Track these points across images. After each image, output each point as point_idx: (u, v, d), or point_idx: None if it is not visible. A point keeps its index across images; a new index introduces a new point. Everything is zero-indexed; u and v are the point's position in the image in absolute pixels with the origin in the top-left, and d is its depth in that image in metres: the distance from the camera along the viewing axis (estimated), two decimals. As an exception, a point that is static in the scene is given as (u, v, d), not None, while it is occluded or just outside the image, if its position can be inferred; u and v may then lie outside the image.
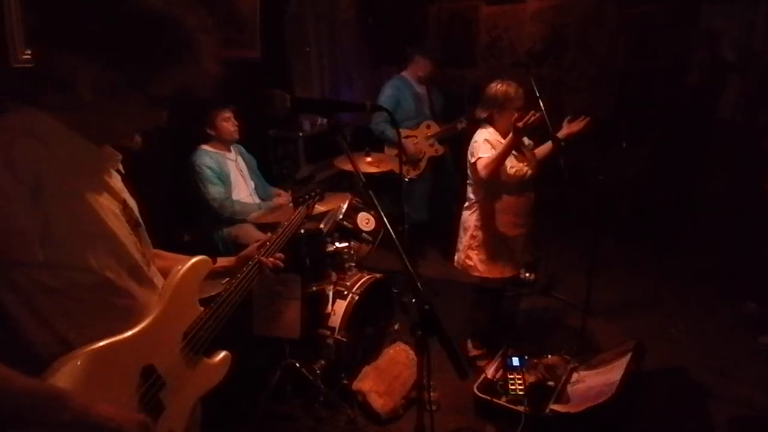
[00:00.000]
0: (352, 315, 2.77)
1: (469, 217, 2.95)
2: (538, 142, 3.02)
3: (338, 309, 2.79)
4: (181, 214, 3.27)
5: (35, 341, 1.02)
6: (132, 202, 1.21)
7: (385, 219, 1.22)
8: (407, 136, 4.32)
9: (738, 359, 3.11)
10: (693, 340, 3.34)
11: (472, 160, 2.78)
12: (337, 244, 3.06)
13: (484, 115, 2.82)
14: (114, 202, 1.12)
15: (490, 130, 2.81)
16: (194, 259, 1.32)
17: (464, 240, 2.99)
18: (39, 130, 0.97)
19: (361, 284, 2.91)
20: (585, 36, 5.15)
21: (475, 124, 2.92)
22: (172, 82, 1.04)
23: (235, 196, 3.20)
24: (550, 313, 3.74)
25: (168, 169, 3.24)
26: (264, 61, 4.09)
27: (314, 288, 2.85)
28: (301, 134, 4.22)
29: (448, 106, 4.62)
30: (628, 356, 2.66)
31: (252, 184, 3.41)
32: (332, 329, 2.74)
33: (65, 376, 0.96)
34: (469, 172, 2.90)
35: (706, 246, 4.35)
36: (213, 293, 1.40)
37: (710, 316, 3.59)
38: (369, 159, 3.38)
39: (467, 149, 2.87)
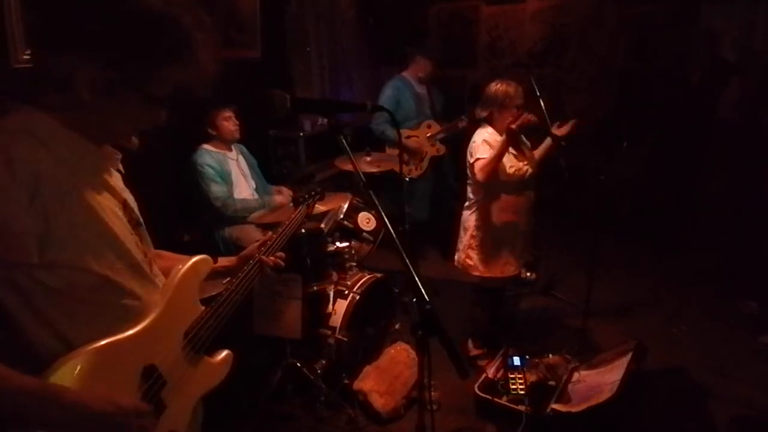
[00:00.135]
0: (352, 315, 2.77)
1: (470, 217, 2.95)
2: (536, 143, 3.02)
3: (339, 308, 2.79)
4: (182, 214, 3.28)
5: (35, 341, 1.02)
6: (132, 202, 1.21)
7: (385, 219, 1.23)
8: (408, 136, 4.32)
9: (738, 359, 3.11)
10: (693, 339, 3.34)
11: (471, 161, 2.79)
12: (338, 244, 3.06)
13: (484, 114, 2.83)
14: (114, 202, 1.12)
15: (489, 130, 2.81)
16: (195, 259, 1.32)
17: (464, 239, 2.99)
18: (38, 131, 0.97)
19: (361, 284, 2.91)
20: (585, 36, 5.15)
21: (476, 124, 2.93)
22: (171, 81, 1.04)
23: (236, 196, 3.21)
24: (550, 313, 3.74)
25: (168, 168, 3.24)
26: (264, 61, 4.09)
27: (315, 288, 2.85)
28: (301, 134, 4.22)
29: (448, 106, 4.63)
30: (629, 356, 2.66)
31: (253, 183, 3.41)
32: (333, 329, 2.74)
33: (66, 375, 0.96)
34: (468, 172, 2.90)
35: (706, 246, 4.35)
36: (214, 293, 1.40)
37: (710, 316, 3.59)
38: (369, 159, 3.39)
39: (467, 149, 2.87)
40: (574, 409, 2.47)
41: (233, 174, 3.25)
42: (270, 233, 1.68)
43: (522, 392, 2.64)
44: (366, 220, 3.27)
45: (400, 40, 5.05)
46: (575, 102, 5.27)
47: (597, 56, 5.17)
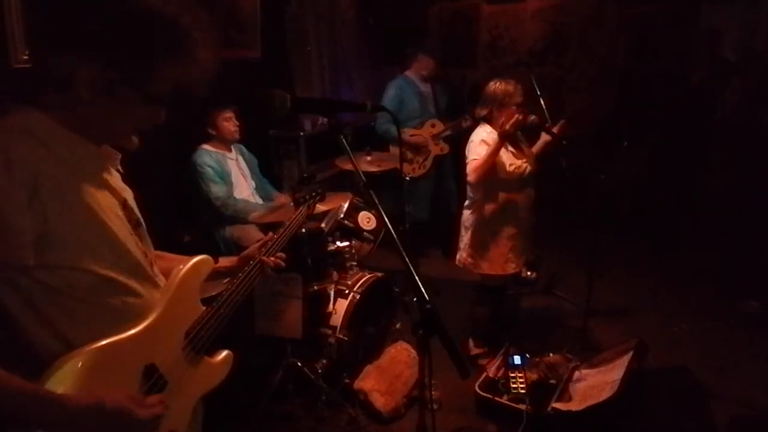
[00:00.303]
0: (353, 314, 2.77)
1: (470, 216, 2.95)
2: (535, 142, 3.02)
3: (339, 308, 2.79)
4: (182, 214, 3.28)
5: (36, 341, 1.02)
6: (132, 201, 1.21)
7: (385, 218, 1.23)
8: (412, 135, 4.32)
9: (738, 359, 3.11)
10: (694, 339, 3.34)
11: (468, 161, 2.79)
12: (339, 244, 3.07)
13: (483, 113, 2.83)
14: (114, 201, 1.12)
15: (488, 129, 2.81)
16: (196, 259, 1.32)
17: (465, 238, 2.99)
18: (38, 131, 0.97)
19: (362, 283, 2.91)
20: (585, 35, 5.15)
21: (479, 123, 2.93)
22: (170, 80, 1.04)
23: (236, 196, 3.21)
24: (551, 312, 3.74)
25: (169, 169, 3.24)
26: (264, 61, 4.09)
27: (315, 287, 2.86)
28: (301, 134, 4.22)
29: (449, 105, 4.63)
30: (630, 355, 2.66)
31: (253, 183, 3.41)
32: (334, 328, 2.74)
33: (66, 374, 0.96)
34: (468, 170, 2.90)
35: (706, 246, 4.35)
36: (214, 293, 1.40)
37: (711, 315, 3.59)
38: (369, 158, 3.39)
39: (465, 148, 2.88)
40: (574, 408, 2.48)
41: (233, 174, 3.26)
42: (271, 233, 1.68)
43: (523, 391, 2.64)
44: (366, 220, 3.27)
45: (400, 39, 5.05)
46: (575, 101, 5.27)
47: (597, 56, 5.17)
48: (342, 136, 1.34)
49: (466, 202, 2.99)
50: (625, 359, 2.65)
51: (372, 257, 3.35)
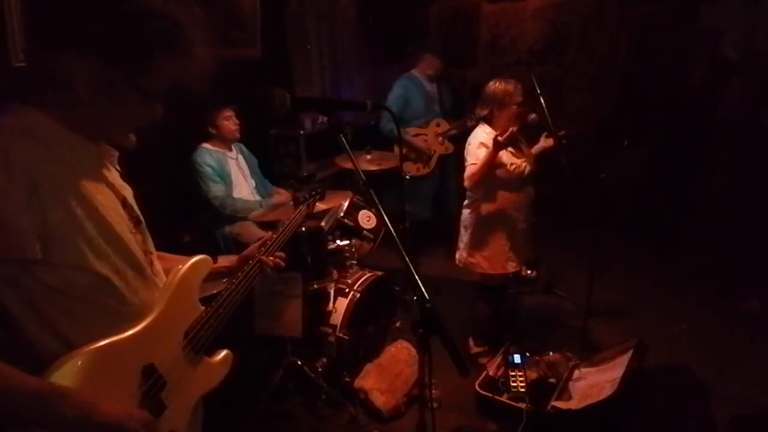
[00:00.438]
0: (353, 313, 2.77)
1: (470, 215, 2.95)
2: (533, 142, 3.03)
3: (340, 307, 2.79)
4: (182, 213, 3.28)
5: (35, 341, 1.02)
6: (132, 199, 1.21)
7: (385, 217, 1.23)
8: (417, 134, 4.32)
9: (739, 358, 3.11)
10: (694, 338, 3.34)
11: (466, 164, 2.80)
12: (339, 242, 3.06)
13: (484, 113, 2.83)
14: (114, 199, 1.12)
15: (487, 129, 2.81)
16: (195, 258, 1.33)
17: (465, 238, 2.99)
18: (37, 130, 0.97)
19: (362, 282, 2.91)
20: (586, 34, 5.14)
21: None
22: (168, 77, 1.04)
23: (236, 195, 3.21)
24: (551, 311, 3.74)
25: (168, 168, 3.24)
26: (264, 60, 4.09)
27: (315, 286, 2.86)
28: (302, 133, 4.22)
29: (452, 105, 4.62)
30: (630, 354, 2.66)
31: (253, 182, 3.41)
32: (334, 327, 2.74)
33: (66, 374, 0.96)
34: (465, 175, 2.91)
35: (706, 246, 4.34)
36: (214, 292, 1.40)
37: (711, 314, 3.59)
38: (369, 157, 3.39)
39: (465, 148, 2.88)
40: (574, 407, 2.48)
41: (233, 173, 3.26)
42: (270, 233, 1.68)
43: (523, 390, 2.64)
44: (366, 219, 3.27)
45: (400, 38, 5.05)
46: (576, 100, 5.27)
47: (598, 55, 5.16)
48: (342, 135, 1.34)
49: (466, 202, 2.99)
50: (625, 358, 2.65)
51: (372, 256, 3.35)
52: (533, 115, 2.85)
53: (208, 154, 3.16)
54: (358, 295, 2.83)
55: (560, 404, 2.54)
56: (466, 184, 2.79)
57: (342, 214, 3.18)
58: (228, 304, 1.37)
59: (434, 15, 5.84)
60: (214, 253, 1.44)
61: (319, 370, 2.71)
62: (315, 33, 4.93)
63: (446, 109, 4.49)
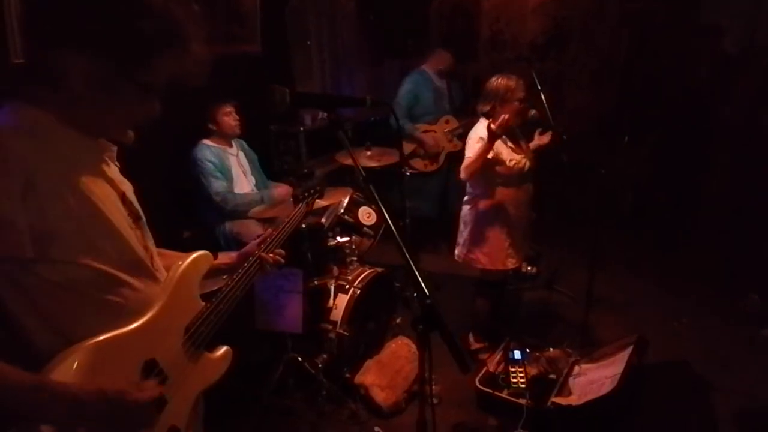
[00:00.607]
0: (353, 309, 2.78)
1: (469, 211, 2.95)
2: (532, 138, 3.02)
3: (340, 303, 2.80)
4: (182, 210, 3.27)
5: (35, 339, 1.02)
6: (132, 195, 1.21)
7: (385, 213, 1.22)
8: (426, 131, 4.31)
9: (740, 353, 3.12)
10: (695, 334, 3.34)
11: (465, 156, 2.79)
12: (339, 239, 3.07)
13: (486, 108, 2.82)
14: (114, 194, 1.12)
15: (487, 124, 2.80)
16: (195, 254, 1.33)
17: (465, 233, 2.99)
18: (34, 127, 0.97)
19: (362, 278, 2.92)
20: (587, 30, 5.13)
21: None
22: (165, 72, 1.03)
23: (236, 191, 3.20)
24: (551, 307, 3.74)
25: (169, 164, 3.24)
26: (265, 56, 4.08)
27: (316, 282, 2.86)
28: (302, 129, 4.21)
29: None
30: (630, 349, 2.66)
31: (253, 179, 3.41)
32: (334, 323, 2.75)
33: (65, 370, 0.96)
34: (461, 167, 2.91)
35: (707, 246, 4.33)
36: (214, 288, 1.40)
37: (712, 310, 3.59)
38: (369, 153, 3.38)
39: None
40: (574, 403, 2.48)
41: (233, 170, 3.25)
42: (269, 230, 1.68)
43: (523, 386, 2.65)
44: (366, 215, 3.27)
45: (401, 34, 5.04)
46: (576, 96, 5.26)
47: (598, 50, 5.15)
48: (342, 131, 1.34)
49: (465, 198, 2.99)
50: (626, 354, 2.65)
51: (372, 252, 3.35)
52: (533, 111, 2.84)
53: (209, 150, 3.16)
54: (359, 292, 2.83)
55: (560, 400, 2.55)
56: (461, 176, 2.78)
57: (342, 211, 3.18)
58: (228, 300, 1.37)
59: (434, 10, 5.82)
60: (214, 250, 1.43)
61: (320, 366, 2.71)
62: (315, 29, 4.92)
63: (455, 106, 4.46)
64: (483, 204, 2.88)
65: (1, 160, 0.91)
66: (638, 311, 3.61)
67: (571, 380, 2.73)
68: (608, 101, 5.12)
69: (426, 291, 1.09)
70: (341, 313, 2.76)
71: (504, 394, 2.64)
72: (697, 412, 2.71)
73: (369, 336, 2.97)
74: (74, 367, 0.97)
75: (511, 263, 2.96)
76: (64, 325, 1.03)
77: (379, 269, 3.06)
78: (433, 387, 2.60)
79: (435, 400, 2.63)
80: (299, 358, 2.72)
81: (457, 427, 2.60)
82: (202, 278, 1.35)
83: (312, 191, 2.07)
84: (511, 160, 2.76)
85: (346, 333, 2.72)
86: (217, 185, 3.09)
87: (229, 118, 3.22)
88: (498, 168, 2.76)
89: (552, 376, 2.74)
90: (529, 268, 4.05)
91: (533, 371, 2.76)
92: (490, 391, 2.67)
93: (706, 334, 3.32)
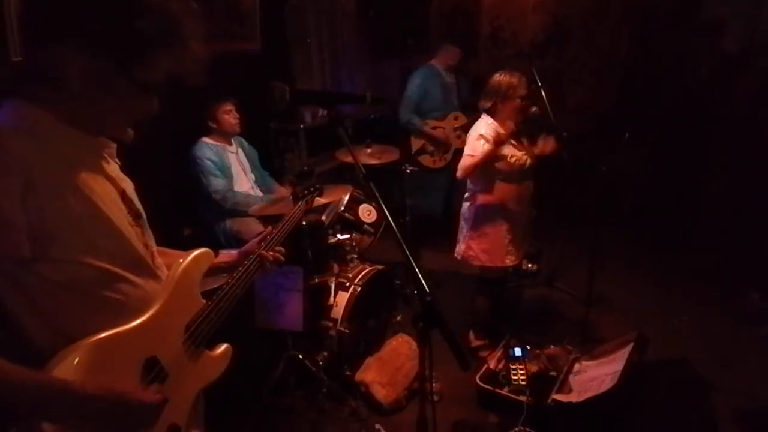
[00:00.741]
0: (354, 306, 2.78)
1: (469, 208, 2.95)
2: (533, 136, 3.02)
3: (340, 301, 2.80)
4: (182, 208, 3.28)
5: (36, 338, 1.02)
6: (132, 192, 1.21)
7: (386, 210, 1.22)
8: (434, 127, 4.30)
9: (740, 351, 3.11)
10: (695, 331, 3.34)
11: (465, 153, 2.79)
12: (339, 236, 3.07)
13: (487, 105, 2.82)
14: (113, 191, 1.12)
15: (489, 121, 2.81)
16: (196, 252, 1.33)
17: (464, 231, 2.99)
18: (32, 125, 0.97)
19: (363, 276, 2.92)
20: (587, 27, 5.12)
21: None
22: (162, 69, 1.03)
23: (236, 189, 3.20)
24: (552, 304, 3.75)
25: (169, 162, 3.24)
26: (264, 54, 4.08)
27: (316, 280, 2.86)
28: (302, 126, 4.21)
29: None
30: (630, 347, 2.66)
31: (253, 176, 3.41)
32: (335, 321, 2.75)
33: (66, 367, 0.96)
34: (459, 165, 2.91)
35: (707, 245, 4.33)
36: (215, 286, 1.40)
37: (713, 308, 3.59)
38: (369, 150, 3.38)
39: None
40: (575, 400, 2.48)
41: (233, 167, 3.25)
42: (270, 228, 1.68)
43: (523, 383, 2.65)
44: (367, 213, 3.27)
45: (400, 32, 5.03)
46: (577, 94, 5.25)
47: (599, 49, 5.14)
48: (342, 128, 1.34)
49: (466, 194, 2.99)
50: (626, 351, 2.65)
51: (373, 250, 3.35)
52: (534, 108, 2.84)
53: (209, 148, 3.16)
54: (359, 289, 2.83)
55: (561, 397, 2.55)
56: (458, 174, 2.79)
57: (342, 208, 3.18)
58: (229, 298, 1.37)
59: (434, 8, 5.81)
60: (214, 248, 1.43)
61: (320, 363, 2.71)
62: (315, 27, 4.92)
63: (463, 102, 4.45)
64: (483, 200, 2.88)
65: (1, 159, 0.90)
66: (638, 309, 3.61)
67: (571, 377, 2.74)
68: (608, 100, 5.11)
69: (426, 288, 1.09)
70: (342, 311, 2.76)
71: (504, 392, 2.64)
72: (697, 410, 2.72)
73: (369, 333, 2.98)
74: (75, 364, 0.97)
75: (509, 261, 2.96)
76: (64, 324, 1.03)
77: (380, 267, 3.06)
78: (434, 384, 2.60)
79: (435, 398, 2.63)
80: (300, 356, 2.72)
81: (458, 425, 2.60)
82: (203, 276, 1.35)
83: (312, 189, 2.07)
84: (512, 157, 2.76)
85: (346, 330, 2.72)
86: (217, 183, 3.09)
87: (229, 116, 3.22)
88: (498, 165, 2.76)
89: (552, 373, 2.74)
90: (529, 265, 4.05)
91: (534, 368, 2.76)
92: (491, 388, 2.67)
93: (706, 333, 3.32)
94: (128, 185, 1.20)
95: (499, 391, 2.65)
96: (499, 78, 2.77)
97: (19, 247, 0.93)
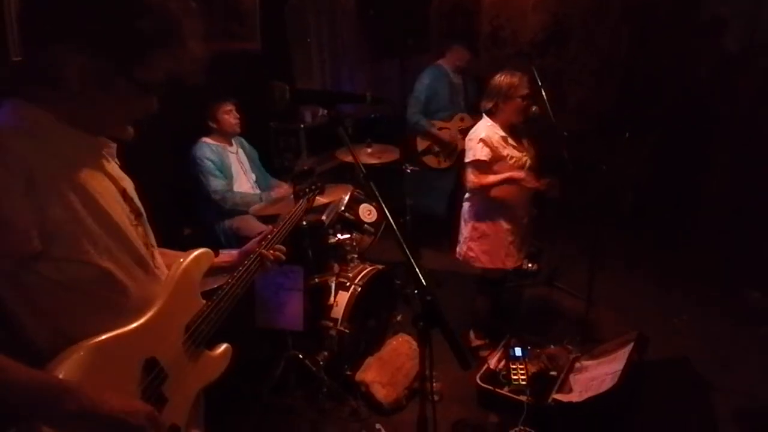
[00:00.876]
0: (354, 306, 2.77)
1: (470, 209, 2.95)
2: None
3: (341, 300, 2.79)
4: (182, 208, 3.28)
5: (36, 338, 1.02)
6: (132, 191, 1.21)
7: (386, 210, 1.22)
8: (440, 128, 4.29)
9: (741, 351, 3.11)
10: (695, 331, 3.34)
11: (467, 159, 2.78)
12: (339, 236, 3.06)
13: (489, 105, 2.82)
14: (114, 190, 1.12)
15: (489, 123, 2.80)
16: (196, 252, 1.33)
17: (465, 231, 2.99)
18: (33, 125, 0.97)
19: (363, 276, 2.92)
20: (587, 27, 5.11)
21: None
22: (161, 68, 1.03)
23: (236, 189, 3.21)
24: (552, 304, 3.75)
25: (169, 162, 3.24)
26: (264, 54, 4.08)
27: (317, 279, 2.86)
28: (302, 126, 4.21)
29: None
30: (630, 347, 2.66)
31: (253, 176, 3.41)
32: (335, 320, 2.74)
33: (67, 369, 0.96)
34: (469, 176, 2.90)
35: (707, 245, 4.33)
36: (215, 286, 1.40)
37: (713, 308, 3.58)
38: (370, 150, 3.38)
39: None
40: (575, 400, 2.48)
41: (233, 167, 3.25)
42: (270, 227, 1.68)
43: (523, 383, 2.65)
44: (367, 212, 3.27)
45: (400, 31, 5.02)
46: (577, 93, 5.25)
47: (599, 49, 5.14)
48: (342, 128, 1.33)
49: (467, 195, 2.99)
50: (626, 351, 2.65)
51: (373, 249, 3.35)
52: (535, 108, 2.84)
53: (209, 148, 3.16)
54: (359, 289, 2.83)
55: (561, 397, 2.55)
56: (468, 184, 2.79)
57: (343, 208, 3.18)
58: (229, 298, 1.37)
59: (434, 7, 5.81)
60: (214, 247, 1.43)
61: (321, 363, 2.71)
62: (315, 26, 4.92)
63: (470, 103, 4.43)
64: (484, 201, 2.88)
65: (1, 159, 0.90)
66: (638, 309, 3.61)
67: (571, 377, 2.73)
68: (608, 100, 5.11)
69: (426, 288, 1.09)
70: (342, 311, 2.75)
71: (505, 391, 2.64)
72: (697, 409, 2.71)
73: (370, 333, 2.97)
74: (76, 366, 0.97)
75: (510, 262, 2.96)
76: (64, 324, 1.02)
77: (380, 266, 3.06)
78: (434, 384, 2.60)
79: (436, 397, 2.63)
80: (300, 356, 2.72)
81: (458, 424, 2.60)
82: (203, 276, 1.35)
83: (312, 188, 2.07)
84: (512, 158, 2.76)
85: (346, 330, 2.72)
86: (216, 184, 3.09)
87: (229, 116, 3.22)
88: (497, 166, 2.76)
89: (553, 373, 2.74)
90: (529, 265, 4.05)
91: (534, 368, 2.76)
92: (491, 388, 2.67)
93: (706, 332, 3.32)
94: (128, 184, 1.20)
95: (499, 390, 2.65)
96: (500, 78, 2.77)
97: (22, 247, 0.93)
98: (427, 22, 5.80)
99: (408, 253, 1.14)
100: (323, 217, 3.03)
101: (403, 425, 2.60)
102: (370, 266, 3.03)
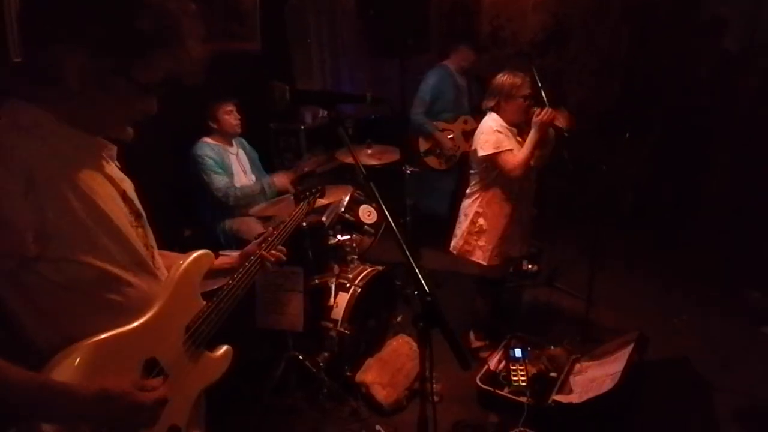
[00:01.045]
0: (354, 307, 2.77)
1: (471, 204, 2.94)
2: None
3: (341, 301, 2.79)
4: (182, 208, 3.27)
5: (36, 338, 1.02)
6: (132, 193, 1.21)
7: (386, 211, 1.22)
8: (444, 130, 4.27)
9: (741, 351, 3.11)
10: (695, 331, 3.33)
11: (486, 153, 2.75)
12: (340, 237, 3.06)
13: (491, 104, 2.82)
14: (114, 192, 1.12)
15: (494, 116, 2.80)
16: (197, 253, 1.33)
17: (464, 226, 2.97)
18: (33, 125, 0.97)
19: (363, 276, 2.91)
20: (587, 27, 5.11)
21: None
22: (160, 68, 1.03)
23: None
24: (552, 304, 3.74)
25: (169, 163, 3.24)
26: (265, 54, 4.08)
27: (317, 280, 2.86)
28: (302, 127, 4.21)
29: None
30: (631, 347, 2.66)
31: (253, 177, 3.40)
32: (335, 321, 2.74)
33: (66, 368, 0.96)
34: (471, 160, 2.90)
35: (707, 245, 4.33)
36: (215, 286, 1.40)
37: (714, 308, 3.58)
38: (370, 151, 3.38)
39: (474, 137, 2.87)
40: (575, 401, 2.48)
41: (233, 167, 3.25)
42: (270, 228, 1.68)
43: (523, 383, 2.65)
44: (367, 213, 3.27)
45: (401, 31, 5.01)
46: (577, 93, 5.25)
47: (599, 48, 5.14)
48: (342, 129, 1.33)
49: (468, 191, 2.98)
50: (626, 352, 2.64)
51: (373, 250, 3.35)
52: (535, 108, 2.84)
53: (209, 147, 3.15)
54: (359, 290, 2.83)
55: (561, 398, 2.55)
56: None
57: (343, 209, 3.17)
58: (229, 299, 1.37)
59: (434, 7, 5.80)
60: (214, 248, 1.43)
61: (321, 364, 2.71)
62: (315, 26, 4.92)
63: (474, 105, 4.42)
64: (485, 197, 2.87)
65: (2, 159, 0.90)
66: (638, 309, 3.60)
67: (571, 378, 2.73)
68: (608, 100, 5.11)
69: (427, 288, 1.09)
70: (342, 312, 2.75)
71: (505, 392, 2.64)
72: (698, 410, 2.71)
73: (370, 334, 2.97)
74: (75, 365, 0.97)
75: (504, 259, 2.95)
76: (64, 324, 1.03)
77: (380, 267, 3.06)
78: (434, 385, 2.60)
79: (436, 398, 2.62)
80: (300, 357, 2.72)
81: (458, 425, 2.60)
82: (203, 278, 1.35)
83: (313, 190, 2.08)
84: (515, 155, 2.76)
85: (347, 331, 2.72)
86: (219, 181, 3.09)
87: (230, 116, 3.21)
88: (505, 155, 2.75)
89: (553, 373, 2.74)
90: (529, 265, 4.05)
91: (534, 369, 2.76)
92: (491, 389, 2.67)
93: (706, 332, 3.32)
94: (128, 186, 1.20)
95: (499, 391, 2.65)
96: (503, 78, 2.77)
97: (23, 247, 0.93)
98: (427, 22, 5.78)
99: (408, 254, 1.14)
100: (323, 219, 3.03)
101: (404, 426, 2.60)
102: (370, 267, 3.03)
